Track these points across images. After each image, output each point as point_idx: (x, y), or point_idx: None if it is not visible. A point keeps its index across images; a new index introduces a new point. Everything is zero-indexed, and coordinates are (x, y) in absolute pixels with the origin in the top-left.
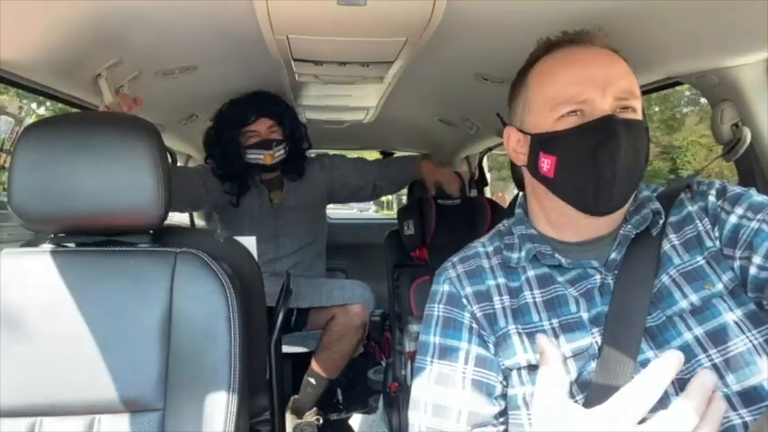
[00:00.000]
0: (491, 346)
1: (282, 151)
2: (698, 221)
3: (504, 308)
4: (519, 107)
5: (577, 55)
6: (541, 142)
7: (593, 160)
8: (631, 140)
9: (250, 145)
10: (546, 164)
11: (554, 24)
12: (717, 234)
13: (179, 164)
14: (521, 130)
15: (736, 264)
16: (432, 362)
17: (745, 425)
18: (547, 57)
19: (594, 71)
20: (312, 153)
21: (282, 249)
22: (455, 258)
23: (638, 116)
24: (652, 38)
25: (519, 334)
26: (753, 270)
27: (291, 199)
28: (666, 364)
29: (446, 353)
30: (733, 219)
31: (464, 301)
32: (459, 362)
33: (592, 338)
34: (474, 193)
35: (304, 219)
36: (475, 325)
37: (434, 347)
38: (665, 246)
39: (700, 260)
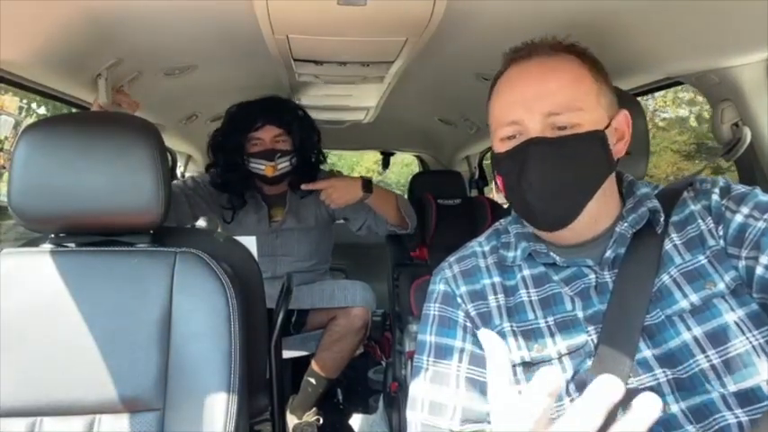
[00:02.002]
0: None
1: (287, 163)
2: (701, 220)
3: (498, 306)
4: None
5: (513, 76)
6: (496, 161)
7: (518, 184)
8: (562, 158)
9: (253, 153)
10: (499, 182)
11: (554, 24)
12: (721, 233)
13: (179, 164)
14: None
15: (742, 264)
16: (428, 360)
17: (740, 425)
18: (501, 77)
19: (523, 91)
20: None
21: (281, 268)
22: (452, 258)
23: (580, 129)
24: (652, 38)
25: (513, 332)
26: (759, 270)
27: (293, 219)
28: (602, 391)
29: (441, 351)
30: (739, 218)
31: (458, 300)
32: (453, 360)
33: (587, 336)
34: (474, 192)
35: (306, 240)
36: (469, 324)
37: (430, 346)
38: (667, 245)
39: (702, 259)
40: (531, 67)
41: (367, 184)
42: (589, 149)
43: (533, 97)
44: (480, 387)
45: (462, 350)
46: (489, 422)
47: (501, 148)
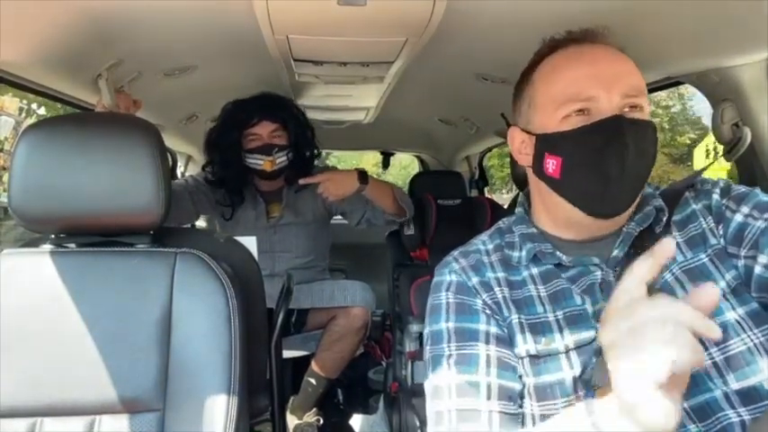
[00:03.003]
0: (505, 330)
1: (284, 158)
2: (702, 219)
3: (504, 297)
4: (524, 107)
5: (583, 53)
6: (547, 142)
7: (600, 160)
8: (638, 141)
9: (251, 149)
10: (551, 165)
11: (554, 24)
12: (721, 232)
13: (179, 164)
14: (525, 131)
15: (741, 263)
16: (449, 347)
17: (743, 423)
18: (552, 55)
19: (600, 68)
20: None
21: (279, 265)
22: (456, 253)
23: (646, 115)
24: (652, 38)
25: (521, 324)
26: (758, 269)
27: (290, 214)
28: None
29: (464, 335)
30: (738, 217)
31: (474, 289)
32: (480, 341)
33: (595, 332)
34: (474, 192)
35: (304, 235)
36: (488, 311)
37: (450, 333)
38: None
39: (703, 258)
40: (601, 49)
41: (363, 175)
42: (651, 138)
43: (612, 75)
44: (512, 368)
45: (488, 333)
46: (522, 404)
47: (566, 125)
